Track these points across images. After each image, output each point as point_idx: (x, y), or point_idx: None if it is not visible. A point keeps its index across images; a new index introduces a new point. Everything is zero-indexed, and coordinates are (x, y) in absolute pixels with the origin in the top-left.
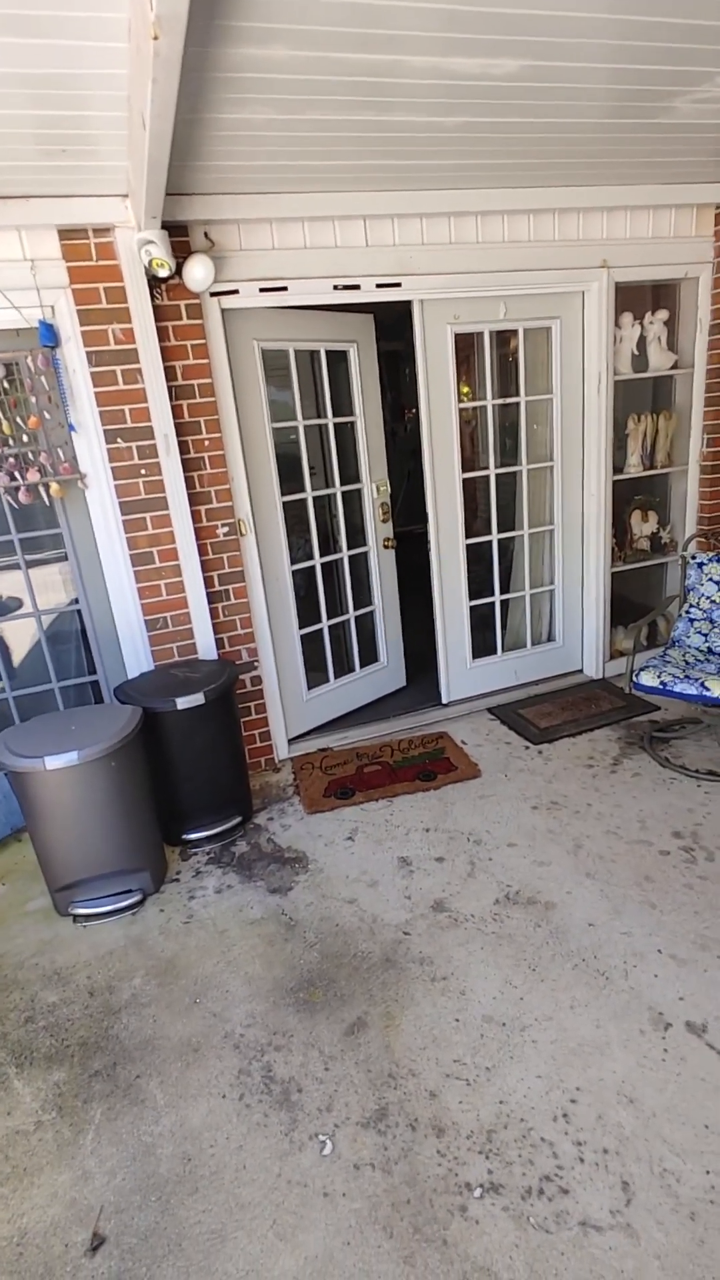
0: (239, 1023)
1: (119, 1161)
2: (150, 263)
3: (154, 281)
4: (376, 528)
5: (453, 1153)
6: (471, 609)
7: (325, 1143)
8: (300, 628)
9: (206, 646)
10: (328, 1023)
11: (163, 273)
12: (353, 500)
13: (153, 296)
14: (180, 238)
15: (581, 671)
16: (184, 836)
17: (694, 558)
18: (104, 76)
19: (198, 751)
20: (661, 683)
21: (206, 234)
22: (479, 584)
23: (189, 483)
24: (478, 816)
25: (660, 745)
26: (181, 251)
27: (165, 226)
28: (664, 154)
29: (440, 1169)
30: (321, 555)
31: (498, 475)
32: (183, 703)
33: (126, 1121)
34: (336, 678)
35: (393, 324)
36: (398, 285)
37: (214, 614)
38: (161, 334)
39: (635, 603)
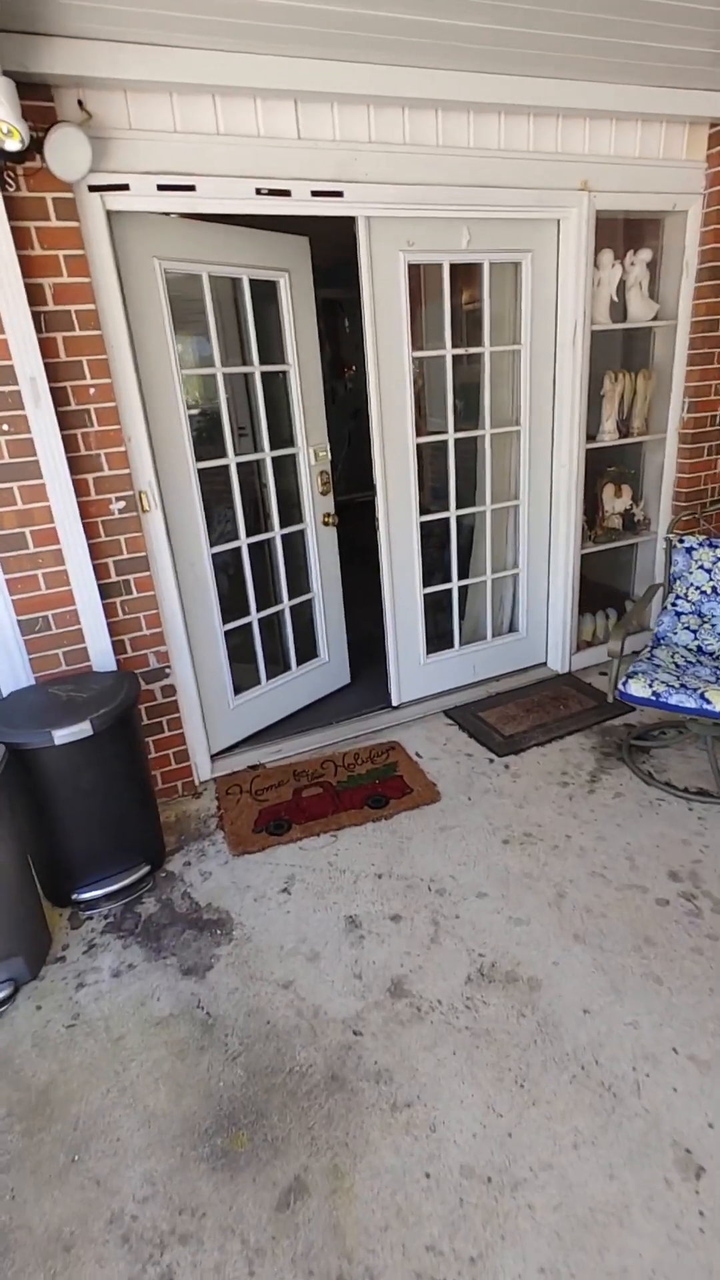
0: (132, 1195)
1: None
2: None
3: (1, 160)
4: (315, 501)
5: None
6: (425, 597)
7: None
8: (224, 622)
9: (102, 652)
10: (254, 1189)
11: (12, 144)
12: (286, 468)
13: (2, 183)
14: (41, 101)
15: (545, 664)
16: (75, 896)
17: (681, 541)
18: None
19: (87, 793)
20: (654, 693)
21: (81, 102)
22: (434, 568)
23: (70, 444)
24: (439, 855)
25: (640, 756)
26: (45, 122)
27: (16, 81)
28: (658, 36)
29: None
30: (249, 535)
31: (456, 441)
32: (63, 735)
33: None
34: (269, 679)
35: (332, 268)
36: (339, 195)
37: (110, 611)
38: (21, 239)
39: (603, 587)
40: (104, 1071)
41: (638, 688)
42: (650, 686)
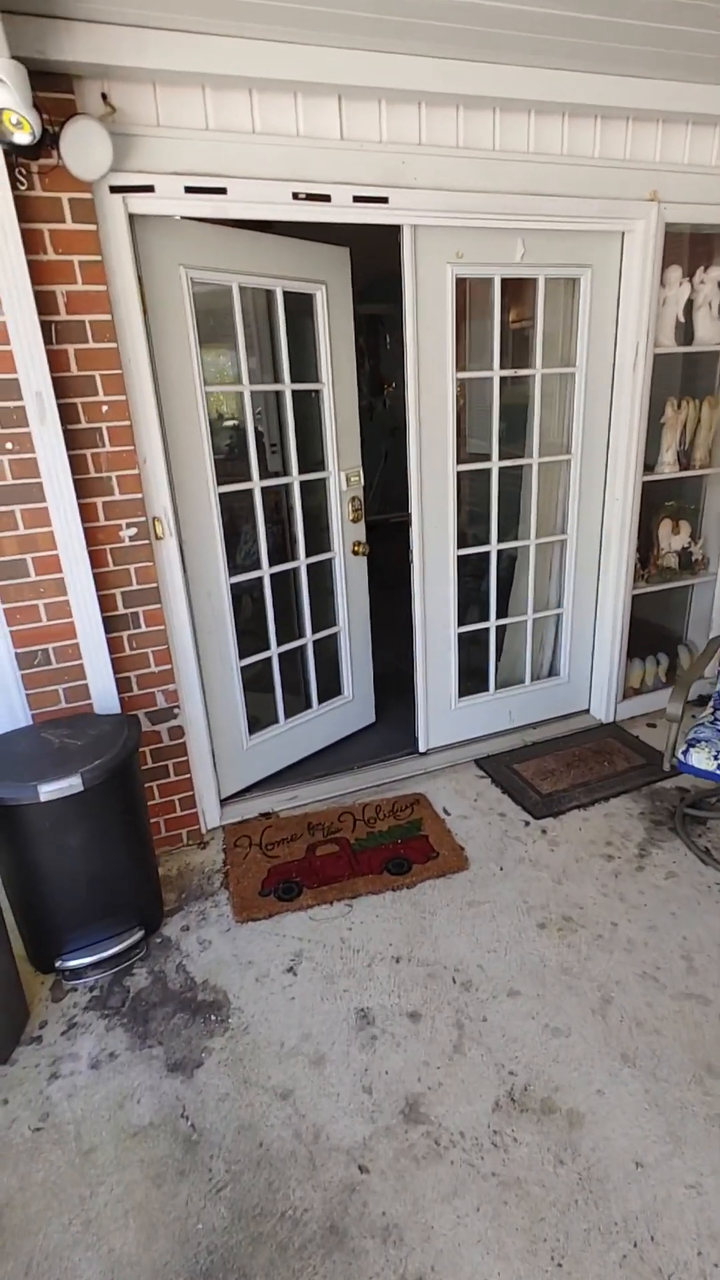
0: None
1: None
2: (0, 117)
3: (12, 155)
4: (345, 528)
5: None
6: (460, 635)
7: None
8: (241, 657)
9: (104, 691)
10: None
11: (21, 137)
12: (316, 493)
13: (14, 180)
14: (61, 93)
15: (589, 713)
16: (59, 964)
17: None
18: None
19: (75, 851)
20: None
21: (105, 95)
22: (470, 604)
23: (79, 465)
24: (465, 938)
25: (696, 828)
26: (62, 115)
27: (32, 69)
28: None
29: None
30: (272, 563)
31: (501, 469)
32: (50, 790)
33: None
34: (288, 717)
35: (372, 283)
36: (383, 201)
37: (115, 646)
38: (32, 242)
39: (654, 629)
40: (69, 1195)
41: (701, 759)
42: (717, 759)
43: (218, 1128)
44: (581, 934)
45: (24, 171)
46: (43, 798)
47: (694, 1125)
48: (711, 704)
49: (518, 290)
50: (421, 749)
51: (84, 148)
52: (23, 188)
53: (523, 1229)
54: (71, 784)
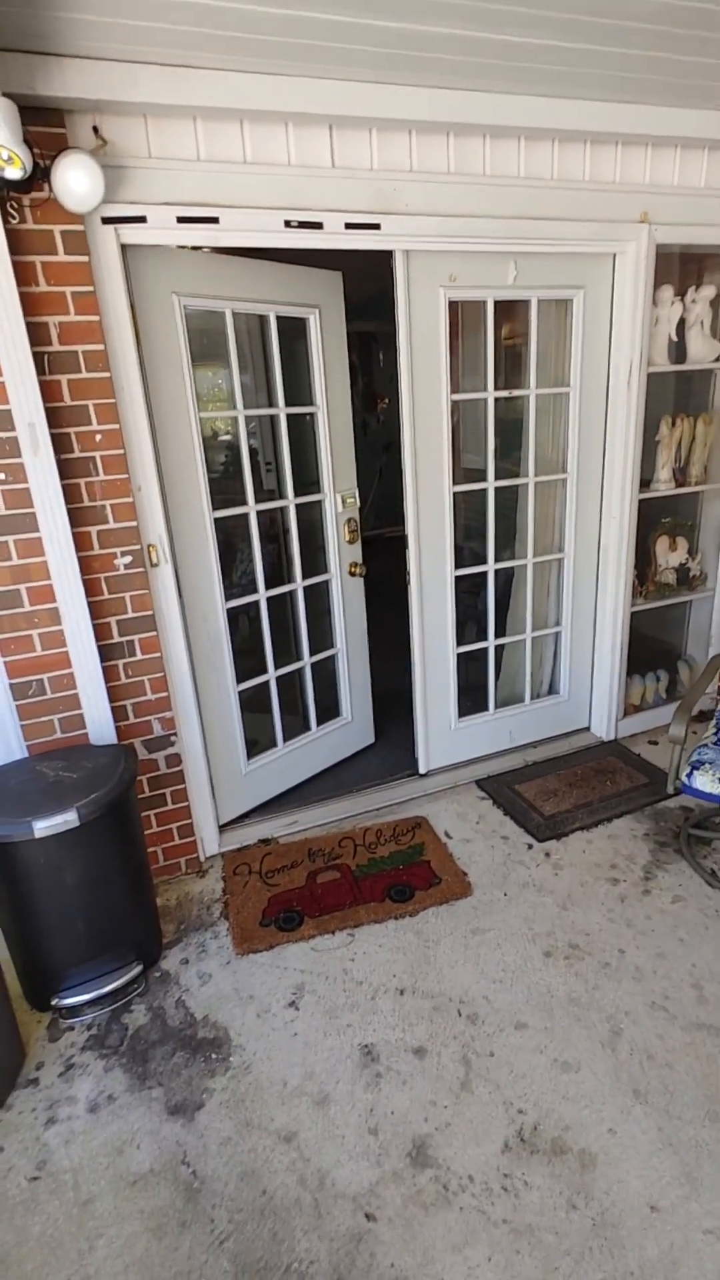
0: None
1: None
2: None
3: (4, 189)
4: (341, 550)
5: None
6: (459, 655)
7: None
8: (239, 681)
9: (100, 721)
10: None
11: (12, 172)
12: (311, 515)
13: (5, 214)
14: (52, 127)
15: (589, 730)
16: (56, 1002)
17: None
18: None
19: (71, 887)
20: None
21: (97, 129)
22: (468, 623)
23: (73, 494)
24: (470, 967)
25: (701, 849)
26: (53, 149)
27: (23, 104)
28: None
29: None
30: (269, 587)
31: (497, 489)
32: (45, 826)
33: None
34: (287, 740)
35: (365, 301)
36: (375, 227)
37: (111, 675)
38: (24, 274)
39: (652, 645)
40: (67, 1250)
41: (706, 782)
42: None
43: (220, 1174)
44: (588, 962)
45: (15, 205)
46: (38, 834)
47: (710, 1165)
48: (714, 723)
49: (511, 311)
50: (422, 770)
51: (75, 181)
52: (14, 221)
53: (535, 1276)
54: (67, 819)
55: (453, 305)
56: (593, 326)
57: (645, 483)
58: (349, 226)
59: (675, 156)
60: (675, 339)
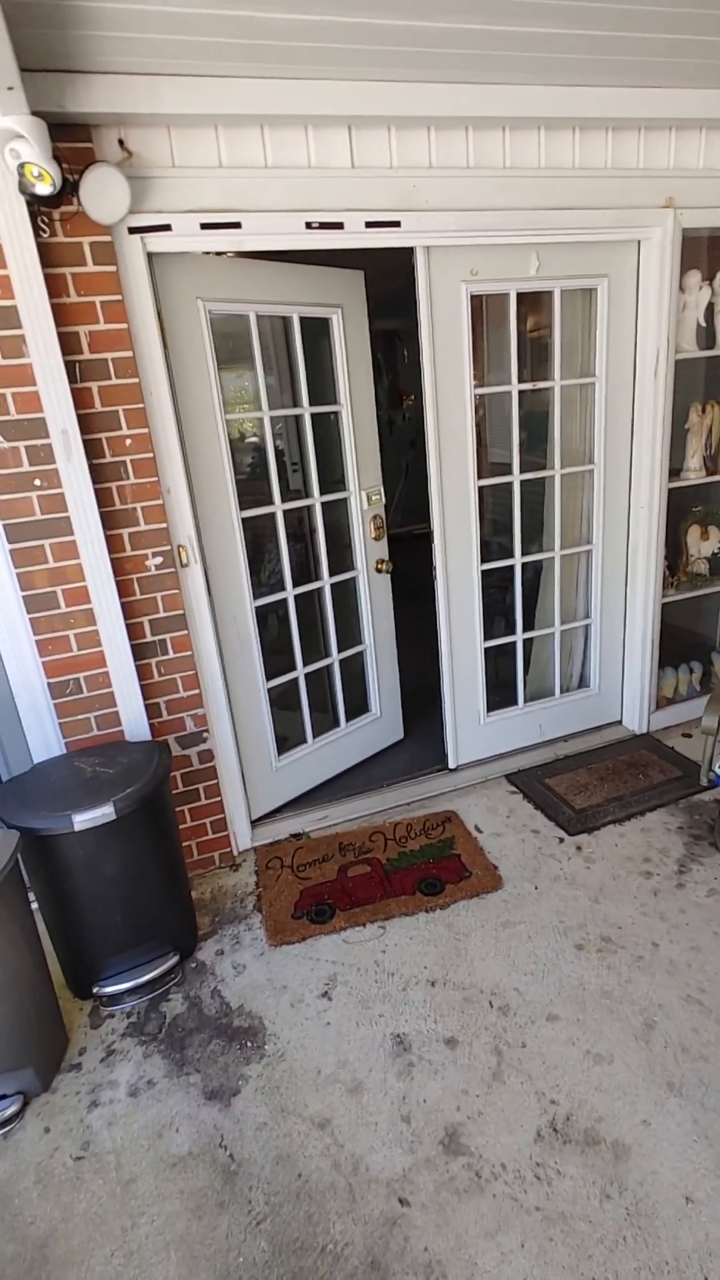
0: None
1: None
2: (22, 170)
3: (35, 204)
4: (367, 547)
5: None
6: (486, 650)
7: None
8: (268, 678)
9: (134, 718)
10: None
11: (44, 189)
12: (337, 513)
13: (36, 229)
14: (79, 142)
15: (621, 723)
16: (97, 990)
17: None
18: None
19: (110, 879)
20: None
21: (122, 141)
22: (496, 617)
23: (105, 498)
24: (501, 960)
25: None
26: (81, 163)
27: (51, 121)
28: None
29: None
30: (296, 584)
31: (523, 482)
32: (84, 820)
33: None
34: (316, 736)
35: (390, 299)
36: (396, 225)
37: (144, 673)
38: (56, 286)
39: (685, 636)
40: (110, 1226)
41: None
42: None
43: (256, 1158)
44: (621, 955)
45: (46, 220)
46: (77, 827)
47: None
48: None
49: (534, 303)
50: (451, 765)
51: (103, 193)
52: (45, 235)
53: (569, 1267)
54: (104, 813)
55: (475, 299)
56: (618, 315)
57: (675, 471)
58: (369, 225)
59: (701, 139)
60: (704, 324)
